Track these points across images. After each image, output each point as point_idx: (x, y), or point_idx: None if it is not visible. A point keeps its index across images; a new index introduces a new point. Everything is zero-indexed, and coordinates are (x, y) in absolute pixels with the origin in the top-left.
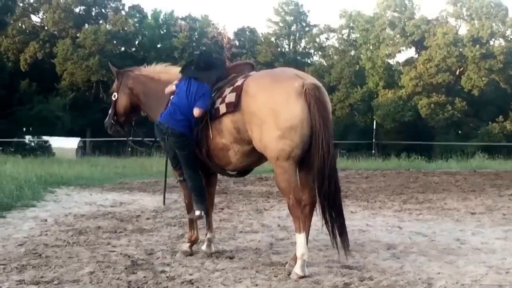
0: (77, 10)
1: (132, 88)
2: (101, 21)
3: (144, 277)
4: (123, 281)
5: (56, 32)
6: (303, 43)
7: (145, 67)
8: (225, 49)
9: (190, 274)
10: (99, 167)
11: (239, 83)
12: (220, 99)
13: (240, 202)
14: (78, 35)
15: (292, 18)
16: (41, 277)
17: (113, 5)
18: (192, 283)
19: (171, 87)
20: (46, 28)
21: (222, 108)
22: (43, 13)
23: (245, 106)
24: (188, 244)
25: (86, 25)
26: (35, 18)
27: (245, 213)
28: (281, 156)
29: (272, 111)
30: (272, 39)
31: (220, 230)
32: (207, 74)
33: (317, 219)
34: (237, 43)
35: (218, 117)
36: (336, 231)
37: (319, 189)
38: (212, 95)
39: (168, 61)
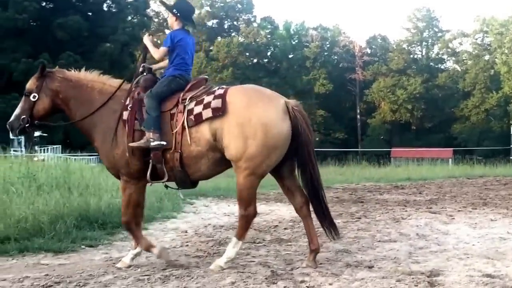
0: (209, 23)
1: (58, 91)
2: (233, 34)
3: (285, 287)
4: None
5: None
6: (435, 49)
7: (69, 70)
8: (357, 58)
9: (330, 284)
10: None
11: (220, 91)
12: (201, 105)
13: (377, 211)
14: (211, 48)
15: (424, 24)
16: None
17: (245, 18)
18: None
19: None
20: None
21: (207, 113)
22: None
23: (229, 115)
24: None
25: (219, 38)
26: None
27: (383, 222)
28: (257, 173)
29: (263, 126)
30: (404, 46)
31: (358, 239)
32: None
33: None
34: (368, 51)
35: (198, 123)
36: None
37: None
38: (186, 102)
39: (301, 71)
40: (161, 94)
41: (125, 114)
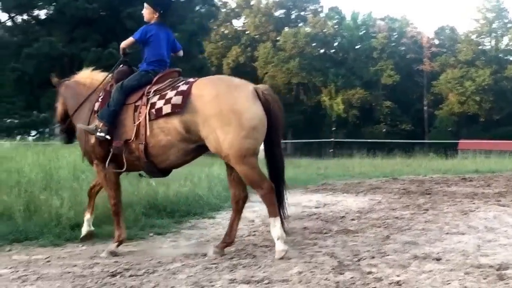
0: (277, 14)
1: (63, 96)
2: (300, 24)
3: (352, 278)
4: (331, 282)
5: (257, 36)
6: (505, 40)
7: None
8: (425, 49)
9: (398, 275)
10: (301, 168)
11: (183, 87)
12: (163, 100)
13: (444, 203)
14: (278, 38)
15: (493, 15)
16: (252, 277)
17: (312, 8)
18: (400, 285)
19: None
20: (247, 32)
21: (166, 109)
22: (245, 18)
23: (200, 108)
24: (116, 244)
25: (286, 28)
26: (236, 23)
27: (450, 214)
28: (248, 154)
29: (235, 113)
30: (473, 37)
31: (426, 231)
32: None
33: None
34: (436, 42)
35: (160, 116)
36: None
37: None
38: (150, 95)
39: (368, 62)
40: (130, 88)
41: (96, 105)
